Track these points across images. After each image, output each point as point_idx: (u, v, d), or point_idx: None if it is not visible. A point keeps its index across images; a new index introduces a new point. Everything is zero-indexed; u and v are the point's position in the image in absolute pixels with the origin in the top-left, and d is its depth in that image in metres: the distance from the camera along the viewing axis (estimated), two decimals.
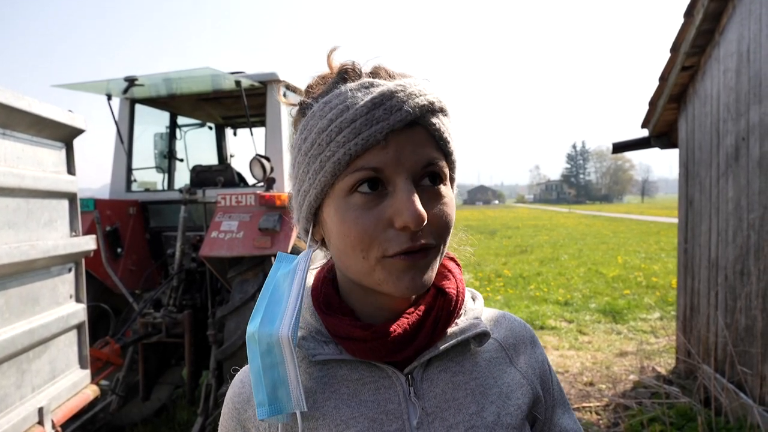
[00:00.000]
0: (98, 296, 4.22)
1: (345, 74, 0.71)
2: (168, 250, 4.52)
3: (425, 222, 0.64)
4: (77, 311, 2.37)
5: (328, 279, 0.79)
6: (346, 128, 0.65)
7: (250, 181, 4.98)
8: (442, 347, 0.74)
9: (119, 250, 4.38)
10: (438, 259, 0.70)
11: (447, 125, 0.70)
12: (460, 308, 0.77)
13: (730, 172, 4.21)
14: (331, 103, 0.67)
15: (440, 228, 0.68)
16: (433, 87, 0.71)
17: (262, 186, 4.15)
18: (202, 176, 4.72)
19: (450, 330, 0.75)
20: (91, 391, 2.46)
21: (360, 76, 0.71)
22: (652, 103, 5.52)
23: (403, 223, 0.63)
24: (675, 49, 4.85)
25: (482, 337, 0.77)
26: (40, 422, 1.99)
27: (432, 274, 0.68)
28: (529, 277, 11.71)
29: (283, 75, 4.43)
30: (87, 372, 2.46)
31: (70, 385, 2.29)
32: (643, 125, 5.86)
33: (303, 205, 0.72)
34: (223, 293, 4.29)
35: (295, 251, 3.79)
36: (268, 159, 4.03)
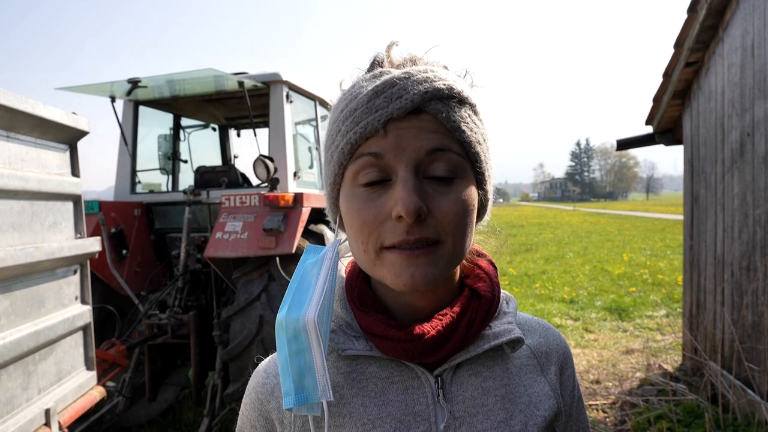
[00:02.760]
0: (104, 298, 4.23)
1: (372, 66, 0.72)
2: (173, 252, 4.53)
3: (421, 212, 0.62)
4: (83, 313, 2.38)
5: (362, 273, 0.77)
6: (349, 118, 0.66)
7: (254, 181, 4.98)
8: (474, 351, 0.72)
9: (124, 251, 4.39)
10: (448, 257, 0.66)
11: (462, 114, 0.67)
12: (495, 312, 0.75)
13: (735, 168, 4.19)
14: (344, 95, 0.69)
15: (447, 224, 0.65)
16: (450, 75, 0.69)
17: (266, 186, 4.15)
18: (206, 177, 4.73)
19: (483, 333, 0.73)
20: (98, 393, 2.47)
21: (382, 66, 0.71)
22: (656, 99, 5.50)
23: (397, 212, 0.62)
24: (679, 45, 4.82)
25: (516, 343, 0.75)
26: (47, 424, 2.00)
27: (437, 271, 0.65)
28: (535, 276, 11.69)
29: (286, 75, 4.43)
30: (93, 373, 2.47)
31: (77, 386, 2.29)
32: (648, 122, 5.84)
33: (327, 194, 0.74)
34: (228, 294, 4.30)
35: (300, 251, 3.79)
36: (271, 159, 4.03)
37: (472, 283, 0.75)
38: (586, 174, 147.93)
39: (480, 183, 0.70)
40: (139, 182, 4.88)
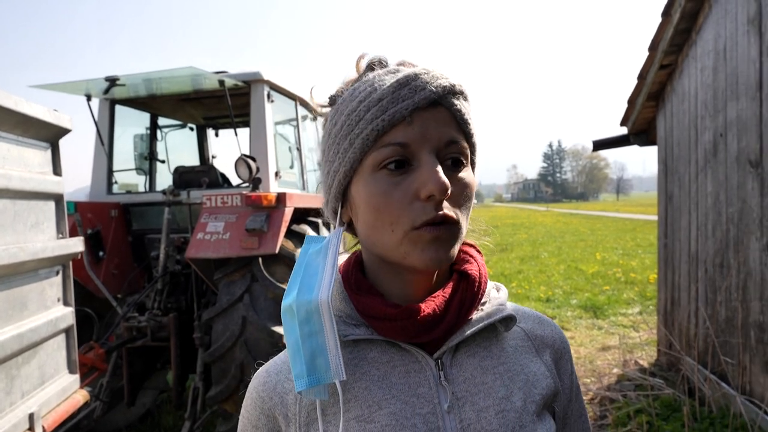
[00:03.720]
0: (81, 300, 4.12)
1: (373, 65, 0.76)
2: (152, 253, 4.46)
3: (449, 190, 0.67)
4: (65, 315, 2.32)
5: (356, 264, 0.81)
6: (373, 107, 0.69)
7: (234, 181, 4.93)
8: (469, 332, 0.75)
9: (101, 253, 4.30)
10: (460, 235, 0.71)
11: (467, 108, 0.73)
12: (484, 291, 0.79)
13: (708, 168, 4.31)
14: (360, 88, 0.72)
15: (461, 204, 0.71)
16: (456, 74, 0.74)
17: (247, 186, 4.11)
18: (185, 177, 4.66)
19: (476, 315, 0.77)
20: (81, 396, 2.41)
21: (387, 66, 0.76)
22: (631, 101, 5.62)
23: (428, 192, 0.66)
24: (653, 47, 4.94)
25: (508, 321, 0.79)
26: (31, 428, 1.95)
27: (455, 249, 0.70)
28: (511, 275, 11.82)
29: (267, 74, 4.40)
30: (76, 377, 2.41)
31: (60, 390, 2.23)
32: (622, 123, 5.97)
33: (332, 184, 0.75)
34: (208, 295, 4.24)
35: (283, 252, 3.76)
36: (253, 159, 3.99)
37: (460, 266, 0.79)
38: (558, 175, 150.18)
39: (473, 171, 0.77)
40: (116, 182, 4.79)
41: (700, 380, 4.12)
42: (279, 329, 3.61)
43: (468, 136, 0.73)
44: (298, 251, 3.90)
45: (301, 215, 4.38)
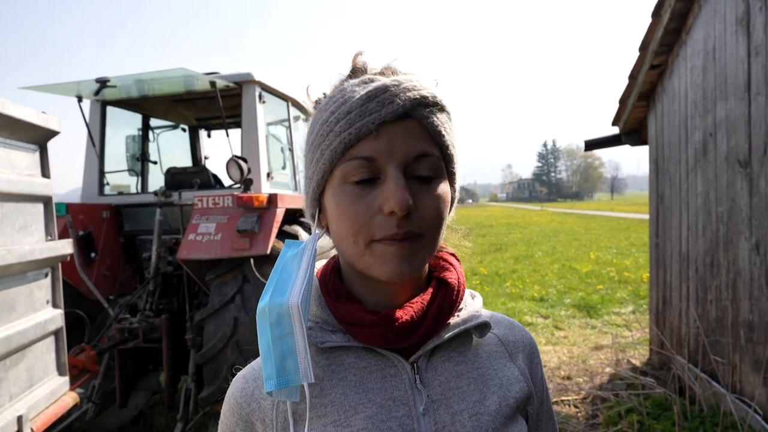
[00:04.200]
0: (72, 302, 4.12)
1: (353, 72, 0.76)
2: (143, 254, 4.44)
3: (410, 208, 0.67)
4: (54, 317, 2.32)
5: (334, 269, 0.82)
6: (342, 119, 0.70)
7: (226, 182, 4.92)
8: (445, 336, 0.77)
9: (93, 254, 4.29)
10: (427, 249, 0.72)
11: (442, 120, 0.72)
12: (462, 299, 0.80)
13: (698, 167, 4.33)
14: (334, 98, 0.73)
15: (429, 219, 0.70)
16: (431, 84, 0.74)
17: (239, 187, 4.11)
18: (177, 178, 4.65)
19: (452, 321, 0.78)
20: (71, 399, 2.41)
21: (366, 73, 0.75)
22: (622, 101, 5.64)
23: (389, 208, 0.67)
24: (644, 48, 4.97)
25: (483, 328, 0.81)
26: (19, 431, 1.94)
27: (419, 262, 0.71)
28: (505, 275, 11.85)
29: (258, 75, 4.39)
30: (66, 379, 2.40)
31: (49, 392, 2.23)
32: (614, 123, 5.99)
33: (308, 191, 0.77)
34: (200, 296, 4.24)
35: (275, 253, 3.76)
36: (245, 160, 3.99)
37: (439, 273, 0.81)
38: (553, 174, 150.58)
39: (451, 182, 0.76)
40: (108, 184, 4.78)
41: (691, 379, 4.14)
42: None
43: (443, 148, 0.73)
44: None
45: (293, 216, 4.38)
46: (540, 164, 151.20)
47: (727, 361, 3.78)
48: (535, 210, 61.42)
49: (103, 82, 4.08)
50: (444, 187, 0.73)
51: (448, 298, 0.77)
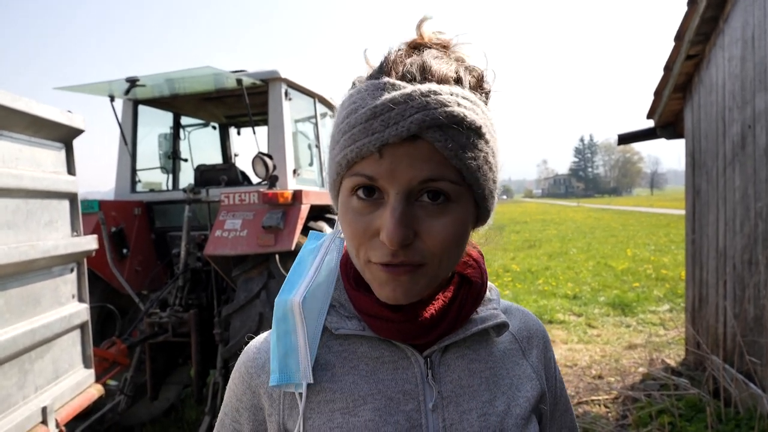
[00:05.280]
0: (105, 297, 4.24)
1: (381, 66, 0.69)
2: (173, 250, 4.53)
3: (407, 240, 0.64)
4: (80, 311, 2.38)
5: None
6: (347, 132, 0.66)
7: (254, 179, 4.98)
8: (463, 334, 0.76)
9: (125, 250, 4.40)
10: (431, 276, 0.68)
11: (461, 141, 0.64)
12: (483, 296, 0.79)
13: (736, 161, 4.16)
14: (349, 99, 0.68)
15: (434, 248, 0.65)
16: (454, 97, 0.65)
17: (265, 184, 4.15)
18: (206, 175, 4.73)
19: (471, 318, 0.77)
20: (96, 391, 2.47)
21: (392, 72, 0.67)
22: (657, 93, 5.47)
23: (383, 239, 0.64)
24: (679, 37, 4.79)
25: (501, 327, 0.79)
26: (44, 422, 2.00)
27: (418, 289, 0.68)
28: (538, 272, 11.66)
29: (284, 72, 4.42)
30: (91, 371, 2.47)
31: (74, 384, 2.29)
32: (649, 116, 5.81)
33: (330, 188, 0.75)
34: (228, 292, 4.30)
35: (300, 249, 3.77)
36: (270, 157, 4.02)
37: (462, 270, 0.78)
38: (589, 170, 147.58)
39: (479, 203, 0.70)
40: (140, 181, 4.89)
41: (727, 380, 3.99)
42: None
43: (464, 171, 0.65)
44: None
45: (319, 212, 4.40)
46: (576, 159, 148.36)
47: (765, 362, 3.63)
48: (571, 206, 60.29)
49: (132, 82, 4.17)
50: (460, 212, 0.66)
51: (470, 296, 0.76)
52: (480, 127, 0.66)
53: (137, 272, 4.51)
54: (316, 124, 5.16)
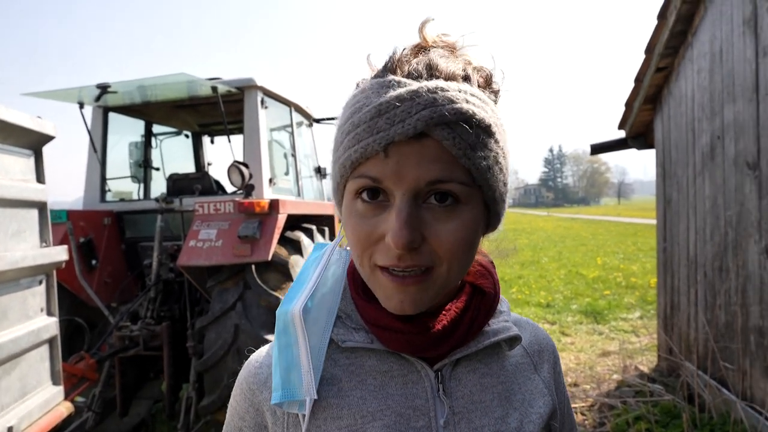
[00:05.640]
0: (72, 310, 4.10)
1: (386, 65, 0.67)
2: (145, 261, 4.42)
3: (414, 244, 0.61)
4: (49, 325, 2.28)
5: None
6: (351, 132, 0.64)
7: (229, 188, 4.90)
8: (475, 347, 0.73)
9: (94, 261, 4.26)
10: (441, 282, 0.65)
11: (470, 140, 0.61)
12: (495, 308, 0.76)
13: (706, 171, 4.27)
14: (353, 99, 0.66)
15: (443, 251, 0.62)
16: (462, 94, 0.62)
17: (240, 193, 4.08)
18: (178, 185, 4.63)
19: (483, 330, 0.74)
20: (65, 408, 2.37)
21: (398, 70, 0.65)
22: (628, 104, 5.58)
23: (389, 242, 0.62)
24: (649, 50, 4.91)
25: (514, 341, 0.76)
26: None
27: (427, 297, 0.65)
28: (511, 281, 11.76)
29: (260, 80, 4.37)
30: (60, 388, 2.36)
31: (42, 402, 2.19)
32: (620, 126, 5.93)
33: (333, 193, 0.73)
34: (202, 303, 4.20)
35: (276, 259, 3.73)
36: (246, 165, 3.96)
37: (474, 280, 0.75)
38: (559, 180, 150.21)
39: (489, 205, 0.67)
40: (109, 190, 4.76)
41: (700, 386, 4.06)
42: (272, 337, 3.56)
43: (472, 171, 0.62)
44: (292, 258, 3.89)
45: (296, 222, 4.35)
46: (546, 170, 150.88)
47: (737, 368, 3.70)
48: (542, 215, 61.20)
49: (103, 88, 4.07)
50: (470, 214, 0.64)
51: (483, 307, 0.73)
52: (490, 126, 0.64)
53: (107, 284, 4.38)
54: (291, 133, 5.12)
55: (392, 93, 0.61)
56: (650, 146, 5.69)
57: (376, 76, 0.66)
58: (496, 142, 0.65)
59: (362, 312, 0.72)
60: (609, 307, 8.55)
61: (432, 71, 0.64)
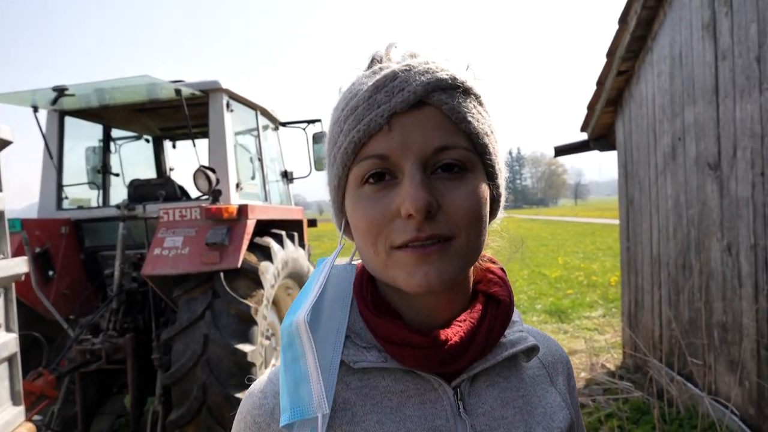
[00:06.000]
0: (29, 324, 3.89)
1: (371, 64, 0.69)
2: (106, 271, 4.25)
3: (431, 208, 0.59)
4: (8, 342, 2.14)
5: (369, 277, 0.72)
6: (350, 116, 0.63)
7: (194, 194, 4.76)
8: (493, 360, 0.69)
9: (51, 273, 4.07)
10: (462, 254, 0.63)
11: (468, 105, 0.64)
12: (512, 318, 0.73)
13: (668, 171, 4.38)
14: (344, 95, 0.67)
15: (459, 218, 0.61)
16: (452, 65, 0.65)
17: (206, 199, 3.96)
18: (141, 191, 4.47)
19: (499, 342, 0.71)
20: (27, 430, 2.23)
21: (381, 62, 0.68)
22: (590, 107, 5.70)
23: (406, 210, 0.59)
24: (611, 54, 5.03)
25: (531, 351, 0.73)
26: None
27: (452, 270, 0.62)
28: None
29: (226, 83, 4.26)
30: (21, 408, 2.22)
31: (2, 424, 2.05)
32: (582, 129, 6.05)
33: (332, 199, 0.70)
34: (167, 314, 4.06)
35: (246, 266, 3.64)
36: (213, 170, 3.85)
37: (487, 288, 0.72)
38: (518, 182, 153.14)
39: (490, 176, 0.67)
40: (66, 198, 4.56)
41: (668, 382, 4.16)
42: (243, 347, 3.48)
43: (472, 137, 0.64)
44: (262, 265, 3.80)
45: (265, 227, 4.25)
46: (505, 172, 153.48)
47: (702, 363, 3.81)
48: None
49: (60, 91, 3.90)
50: (477, 182, 0.64)
51: (499, 317, 0.69)
52: (480, 96, 0.67)
53: (65, 296, 4.19)
54: (258, 137, 5.02)
55: (386, 71, 0.63)
56: (612, 148, 5.83)
57: (365, 70, 0.68)
58: (487, 113, 0.67)
59: (374, 328, 0.67)
60: (573, 306, 8.72)
61: (415, 55, 0.67)
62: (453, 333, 0.65)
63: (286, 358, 0.64)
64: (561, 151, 6.53)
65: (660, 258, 4.62)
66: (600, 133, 5.91)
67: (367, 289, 0.70)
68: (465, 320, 0.67)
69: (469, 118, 0.63)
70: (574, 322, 7.82)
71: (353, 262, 0.72)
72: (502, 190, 0.71)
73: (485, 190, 0.65)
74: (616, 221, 5.77)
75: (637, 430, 3.66)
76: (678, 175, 4.20)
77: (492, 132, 0.67)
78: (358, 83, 0.65)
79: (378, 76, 0.63)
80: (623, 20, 4.70)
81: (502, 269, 0.76)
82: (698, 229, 3.90)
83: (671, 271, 4.39)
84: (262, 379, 0.72)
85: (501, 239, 0.78)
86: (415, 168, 0.61)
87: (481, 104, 0.66)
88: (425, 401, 0.67)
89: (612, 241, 19.33)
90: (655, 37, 4.50)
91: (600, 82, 5.36)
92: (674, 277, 4.33)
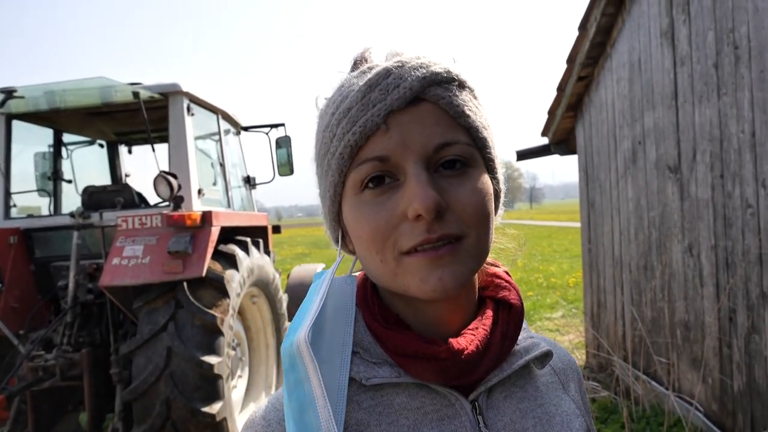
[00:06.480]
0: None
1: (355, 65, 0.65)
2: (59, 282, 4.03)
3: (439, 207, 0.56)
4: None
5: (373, 287, 0.68)
6: (343, 119, 0.59)
7: (153, 201, 4.59)
8: (509, 369, 0.65)
9: None
10: (473, 253, 0.59)
11: (464, 98, 0.61)
12: (523, 323, 0.69)
13: (628, 174, 4.49)
14: (333, 98, 0.63)
15: (468, 216, 0.58)
16: (444, 59, 0.63)
17: (167, 205, 3.82)
18: (96, 198, 4.27)
19: (513, 349, 0.67)
20: None
21: (368, 62, 0.64)
22: (551, 112, 5.80)
23: (414, 211, 0.56)
24: (571, 60, 5.13)
25: (545, 358, 0.69)
26: None
27: (466, 271, 0.59)
28: None
29: (186, 86, 4.12)
30: None
31: None
32: (543, 133, 6.16)
33: (324, 211, 0.66)
34: (126, 326, 3.89)
35: (210, 274, 3.52)
36: (174, 176, 3.71)
37: (495, 293, 0.69)
38: None
39: (490, 170, 0.65)
40: (14, 206, 4.31)
41: (633, 381, 4.24)
42: (209, 358, 3.36)
43: (472, 131, 0.61)
44: (227, 273, 3.68)
45: (229, 234, 4.13)
46: None
47: (666, 361, 3.90)
48: None
49: (8, 93, 3.69)
50: (481, 177, 0.61)
51: (511, 322, 0.66)
52: (474, 89, 0.65)
53: (14, 309, 3.95)
54: (219, 141, 4.88)
55: (377, 69, 0.60)
56: (572, 152, 5.94)
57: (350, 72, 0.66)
58: (482, 105, 0.66)
59: (385, 341, 0.63)
60: (534, 308, 8.86)
61: (400, 54, 0.64)
62: (467, 342, 0.62)
63: (289, 381, 0.59)
64: (523, 155, 6.63)
65: (622, 259, 4.73)
66: (561, 137, 6.02)
67: (374, 301, 0.66)
68: (477, 328, 0.64)
69: (468, 112, 0.61)
70: (536, 323, 7.94)
71: (353, 274, 0.68)
72: (502, 185, 0.69)
73: (489, 185, 0.63)
74: (572, 224, 5.89)
75: (606, 429, 3.71)
76: (639, 179, 4.30)
77: (488, 126, 0.65)
78: (347, 84, 0.62)
79: (370, 75, 0.60)
80: (583, 27, 4.80)
81: (506, 272, 0.73)
82: (659, 230, 4.00)
83: (633, 272, 4.49)
84: (262, 405, 0.66)
85: (503, 237, 0.75)
86: (419, 167, 0.58)
87: (475, 97, 0.65)
88: (443, 417, 0.63)
89: (568, 243, 19.81)
90: (614, 44, 4.61)
91: (560, 88, 5.46)
92: (636, 277, 4.43)
